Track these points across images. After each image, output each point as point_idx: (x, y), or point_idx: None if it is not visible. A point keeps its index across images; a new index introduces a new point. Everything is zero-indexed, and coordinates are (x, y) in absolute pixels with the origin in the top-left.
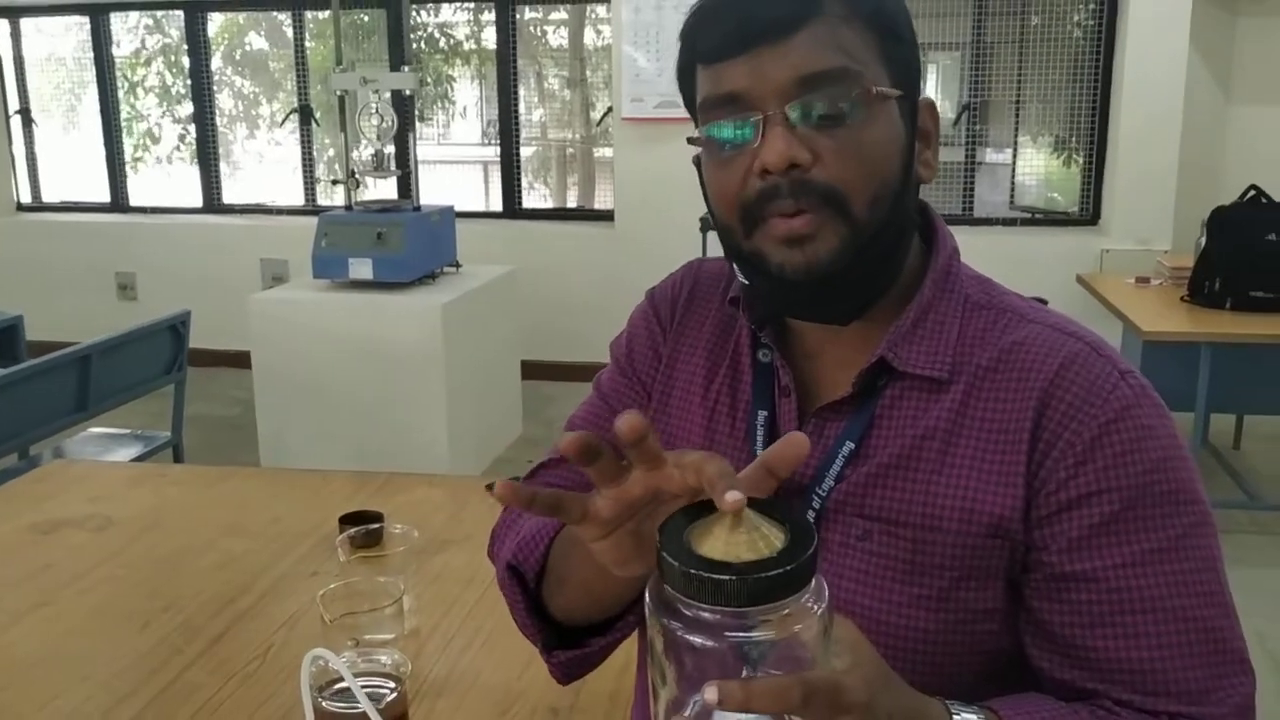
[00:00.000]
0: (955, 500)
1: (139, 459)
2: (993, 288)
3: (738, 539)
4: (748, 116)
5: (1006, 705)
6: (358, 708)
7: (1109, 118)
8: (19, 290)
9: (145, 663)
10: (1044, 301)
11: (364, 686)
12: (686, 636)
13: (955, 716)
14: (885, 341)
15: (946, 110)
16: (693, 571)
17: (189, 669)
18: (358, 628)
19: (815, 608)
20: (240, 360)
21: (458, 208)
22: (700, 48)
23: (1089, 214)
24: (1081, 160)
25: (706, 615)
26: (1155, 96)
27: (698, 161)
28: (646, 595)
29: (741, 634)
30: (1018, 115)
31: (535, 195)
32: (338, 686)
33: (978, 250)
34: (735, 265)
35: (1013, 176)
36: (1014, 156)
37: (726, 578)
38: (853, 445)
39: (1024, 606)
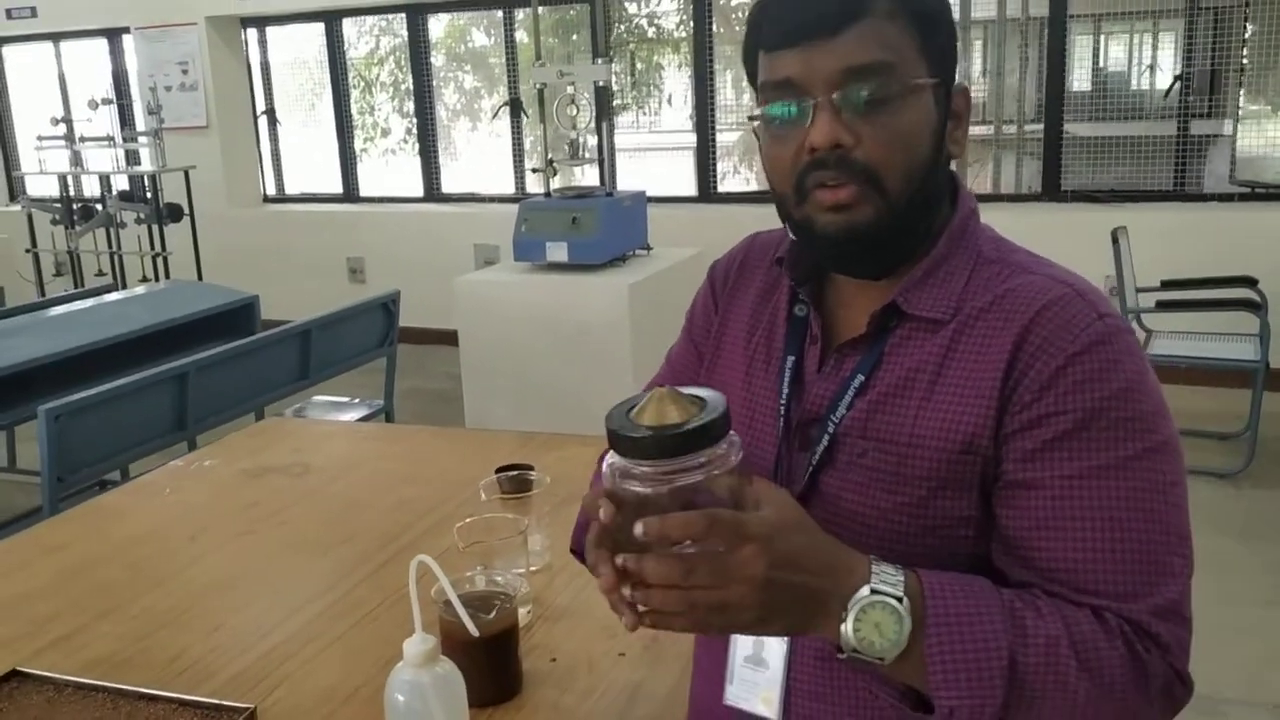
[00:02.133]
0: (936, 422)
1: (358, 422)
2: (1006, 247)
3: (665, 410)
4: (800, 101)
5: (931, 572)
6: (471, 615)
7: None
8: (265, 273)
9: (322, 582)
10: (1254, 281)
11: (481, 600)
12: (631, 488)
13: (875, 566)
14: (898, 288)
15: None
16: (625, 434)
17: (356, 588)
18: (489, 556)
19: (727, 461)
20: (453, 338)
21: (667, 193)
22: (762, 35)
23: None
24: None
25: (643, 469)
26: None
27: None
28: (604, 471)
29: (666, 483)
30: (1240, 84)
31: (739, 179)
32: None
33: (1185, 227)
34: (788, 226)
35: (1233, 149)
36: (1235, 128)
37: (647, 434)
38: (863, 378)
39: (992, 515)
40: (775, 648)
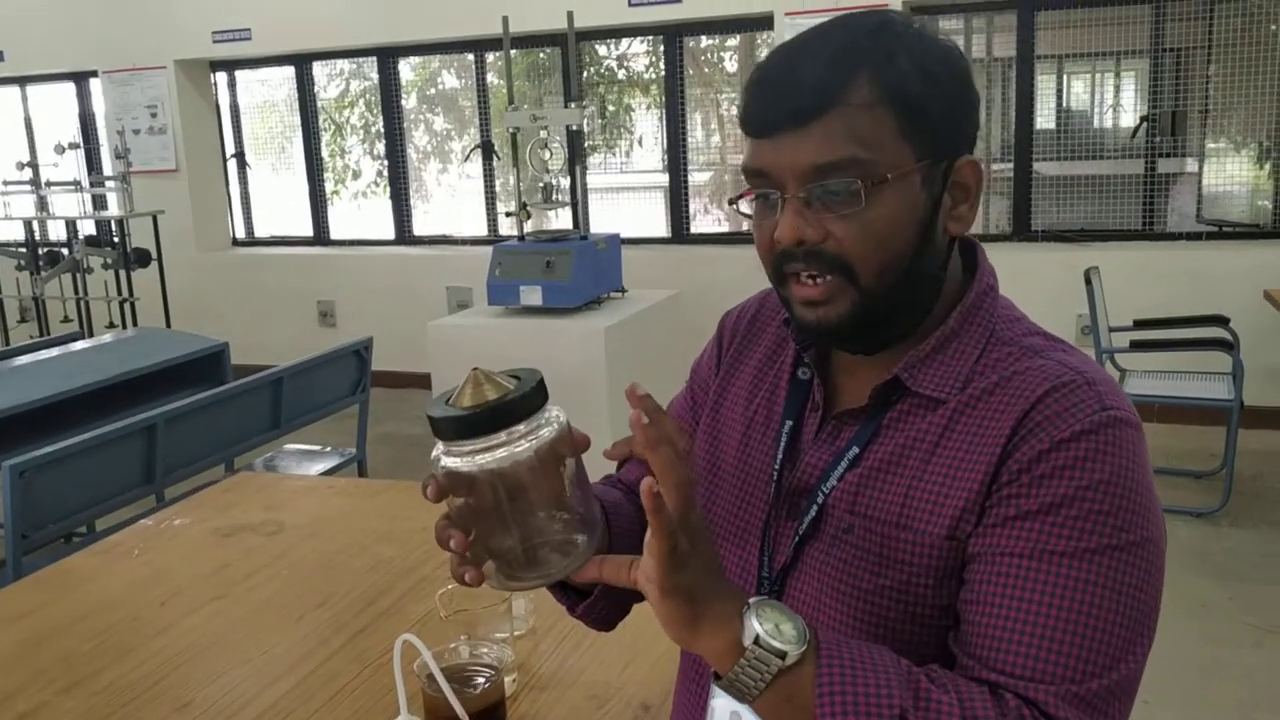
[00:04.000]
0: (925, 504)
1: (328, 472)
2: (1022, 327)
3: (480, 391)
4: (770, 192)
5: (829, 632)
6: (458, 690)
7: None
8: (234, 317)
9: (296, 651)
10: (1225, 320)
11: (466, 673)
12: (446, 464)
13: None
14: (902, 363)
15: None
16: (432, 416)
17: (332, 658)
18: (473, 624)
19: (523, 442)
20: (425, 381)
21: (639, 234)
22: (743, 122)
23: None
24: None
25: (446, 448)
26: None
27: None
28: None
29: (482, 457)
30: (1204, 123)
31: (710, 219)
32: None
33: (1154, 266)
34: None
35: (1199, 188)
36: (1200, 167)
37: (441, 418)
38: (858, 450)
39: None
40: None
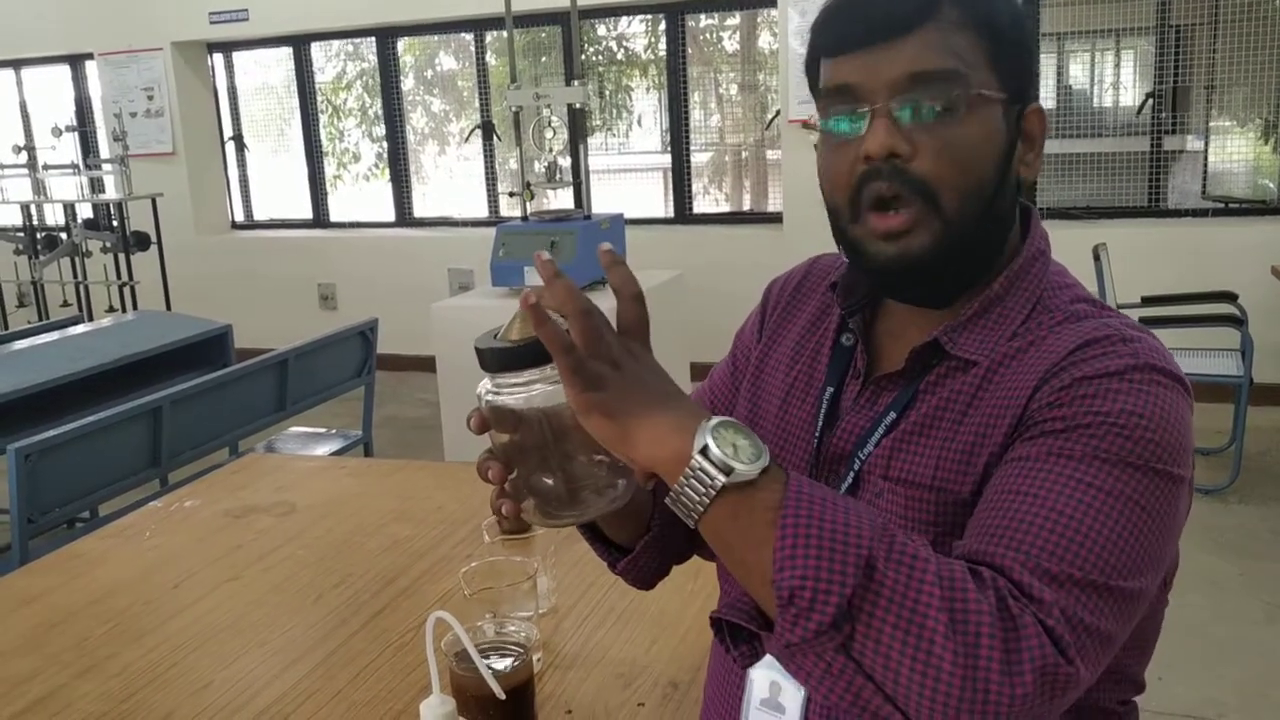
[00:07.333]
0: (956, 465)
1: (335, 454)
2: (1070, 294)
3: (527, 327)
4: (857, 108)
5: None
6: (486, 669)
7: None
8: (235, 301)
9: (315, 631)
10: (1234, 296)
11: (493, 651)
12: (490, 399)
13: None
14: (943, 325)
15: (1137, 97)
16: (485, 348)
17: (352, 638)
18: (496, 602)
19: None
20: (427, 364)
21: (639, 215)
22: (823, 41)
23: None
24: None
25: (493, 383)
26: None
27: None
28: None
29: (529, 391)
30: (1209, 100)
31: (710, 200)
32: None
33: (1161, 243)
34: (840, 246)
35: (1204, 164)
36: (1205, 144)
37: (486, 349)
38: (895, 415)
39: None
40: (792, 694)
